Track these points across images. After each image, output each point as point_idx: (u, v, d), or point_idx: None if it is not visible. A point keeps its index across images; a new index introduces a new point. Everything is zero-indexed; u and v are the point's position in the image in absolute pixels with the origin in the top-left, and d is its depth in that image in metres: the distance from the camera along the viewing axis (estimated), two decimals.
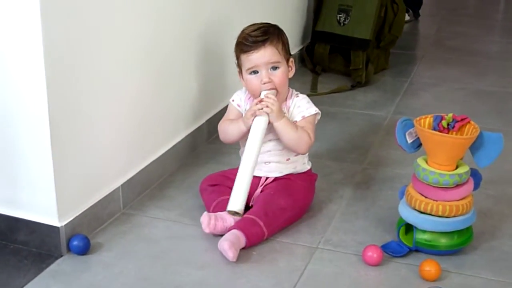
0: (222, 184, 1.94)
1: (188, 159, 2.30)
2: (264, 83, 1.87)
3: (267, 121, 1.85)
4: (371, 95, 2.98)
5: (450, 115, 1.73)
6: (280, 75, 1.89)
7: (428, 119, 1.76)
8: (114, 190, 1.93)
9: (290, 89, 1.97)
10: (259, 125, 1.84)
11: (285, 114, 1.90)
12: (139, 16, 1.95)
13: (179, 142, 2.25)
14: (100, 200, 1.87)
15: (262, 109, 1.83)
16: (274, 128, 1.87)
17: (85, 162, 1.80)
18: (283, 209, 1.84)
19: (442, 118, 1.74)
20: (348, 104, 2.86)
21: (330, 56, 3.19)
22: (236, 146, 2.08)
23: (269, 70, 1.88)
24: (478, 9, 4.82)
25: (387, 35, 3.16)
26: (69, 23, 1.66)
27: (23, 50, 1.61)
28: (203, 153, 2.36)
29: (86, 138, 1.79)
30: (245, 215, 1.82)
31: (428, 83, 3.15)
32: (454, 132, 1.73)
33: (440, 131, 1.72)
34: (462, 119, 1.72)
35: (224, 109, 2.50)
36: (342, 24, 3.13)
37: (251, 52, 1.88)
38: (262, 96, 1.87)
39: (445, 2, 4.97)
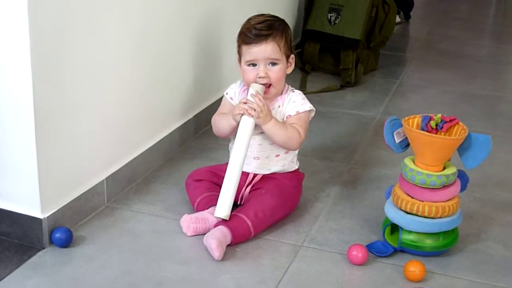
0: (208, 180, 1.93)
1: (175, 154, 2.29)
2: (260, 77, 1.87)
3: (254, 122, 1.84)
4: (360, 95, 2.98)
5: (439, 115, 1.73)
6: (277, 72, 1.88)
7: (417, 119, 1.75)
8: (98, 183, 1.91)
9: (286, 85, 1.95)
10: (246, 126, 1.83)
11: (278, 109, 1.89)
12: (129, 9, 1.93)
13: (166, 137, 2.24)
14: (84, 192, 1.85)
15: (247, 110, 1.82)
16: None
17: (69, 154, 1.78)
18: (273, 210, 1.83)
19: (430, 118, 1.73)
20: (337, 103, 2.85)
21: (320, 55, 3.18)
22: (223, 142, 2.07)
23: (268, 65, 1.87)
24: (469, 13, 4.84)
25: (378, 36, 3.15)
26: (56, 15, 1.64)
27: (8, 41, 1.58)
28: (190, 148, 2.34)
29: (71, 129, 1.77)
30: (234, 213, 1.81)
31: (417, 85, 3.15)
32: (442, 133, 1.72)
33: (428, 132, 1.71)
34: (450, 120, 1.72)
35: (212, 104, 2.51)
36: (332, 23, 3.12)
37: (253, 45, 1.86)
38: (250, 90, 1.85)
39: (436, 5, 4.98)
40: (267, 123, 1.84)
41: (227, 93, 2.00)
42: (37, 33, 1.58)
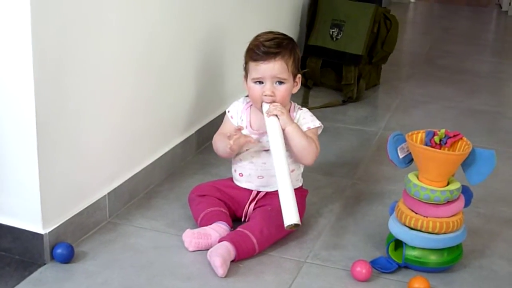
0: (211, 195, 1.91)
1: (177, 169, 2.28)
2: (266, 95, 1.85)
3: (279, 122, 1.81)
4: (362, 110, 2.97)
5: (443, 130, 1.72)
6: (283, 91, 1.85)
7: (420, 135, 1.74)
8: (100, 199, 1.90)
9: (292, 103, 1.94)
10: (274, 125, 1.80)
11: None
12: (133, 24, 1.93)
13: (167, 152, 2.23)
14: (86, 208, 1.84)
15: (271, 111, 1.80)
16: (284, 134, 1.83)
17: (71, 169, 1.77)
18: (279, 227, 1.80)
19: (434, 133, 1.73)
20: (339, 119, 2.85)
21: (322, 71, 3.18)
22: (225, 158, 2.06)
23: (274, 84, 1.85)
24: (469, 29, 4.85)
25: (380, 51, 3.15)
26: (60, 28, 1.63)
27: (11, 54, 1.58)
28: (191, 164, 2.33)
29: (73, 144, 1.76)
30: (238, 228, 1.79)
31: (419, 100, 3.14)
32: (446, 148, 1.71)
33: (432, 147, 1.71)
34: (454, 135, 1.71)
35: (215, 120, 2.50)
36: (334, 39, 3.13)
37: (260, 62, 1.84)
38: (265, 109, 1.84)
39: (437, 22, 5.00)
40: (291, 124, 1.82)
41: (228, 111, 1.98)
42: (40, 50, 1.57)
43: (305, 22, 3.31)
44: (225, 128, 1.97)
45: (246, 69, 1.91)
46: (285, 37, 1.90)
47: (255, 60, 1.85)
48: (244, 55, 1.91)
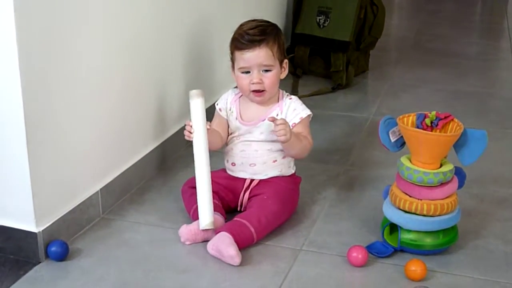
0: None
1: (169, 163, 2.27)
2: (253, 83, 1.85)
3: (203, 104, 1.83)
4: (352, 97, 2.97)
5: (434, 113, 1.72)
6: (271, 78, 1.86)
7: (411, 118, 1.74)
8: (93, 195, 1.89)
9: (281, 91, 1.94)
10: (197, 112, 1.83)
11: (277, 117, 1.87)
12: (120, 17, 1.91)
13: (159, 146, 2.22)
14: (79, 205, 1.83)
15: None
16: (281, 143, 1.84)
17: (62, 166, 1.76)
18: (276, 215, 1.81)
19: (425, 116, 1.73)
20: (329, 106, 2.84)
21: (310, 59, 3.17)
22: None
23: (261, 72, 1.85)
24: (455, 12, 4.85)
25: (367, 37, 3.15)
26: (47, 22, 1.62)
27: None
28: (183, 157, 2.32)
29: (63, 141, 1.75)
30: (236, 218, 1.79)
31: (408, 84, 3.14)
32: (438, 130, 1.71)
33: (423, 129, 1.70)
34: (445, 117, 1.71)
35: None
36: (321, 26, 3.12)
37: (246, 50, 1.84)
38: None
39: (423, 6, 5.00)
40: (291, 138, 1.81)
41: (217, 104, 1.98)
42: (26, 48, 1.56)
43: (291, 10, 3.30)
44: (215, 122, 1.97)
45: (232, 59, 1.91)
46: (268, 24, 1.90)
47: (240, 49, 1.85)
48: (230, 45, 1.90)
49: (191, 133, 1.83)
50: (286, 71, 1.92)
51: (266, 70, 1.85)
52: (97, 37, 1.83)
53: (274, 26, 1.91)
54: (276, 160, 1.91)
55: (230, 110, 1.95)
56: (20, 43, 1.54)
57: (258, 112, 1.91)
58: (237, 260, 1.68)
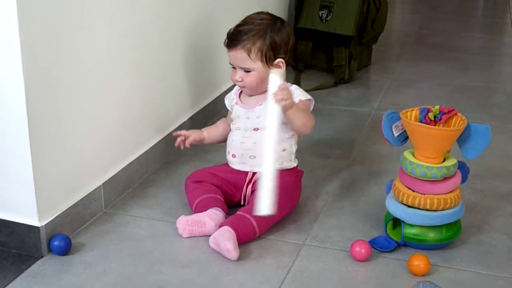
0: (207, 181, 1.90)
1: (171, 157, 2.26)
2: (234, 80, 1.89)
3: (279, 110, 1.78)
4: (354, 91, 2.97)
5: (437, 107, 1.71)
6: (250, 77, 1.87)
7: (415, 112, 1.73)
8: (95, 189, 1.88)
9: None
10: (274, 113, 1.77)
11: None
12: (121, 11, 1.91)
13: (161, 140, 2.21)
14: (81, 199, 1.83)
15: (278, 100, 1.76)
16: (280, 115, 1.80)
17: (65, 161, 1.76)
18: (280, 209, 1.79)
19: (428, 110, 1.72)
20: (332, 100, 2.84)
21: (312, 53, 3.16)
22: (219, 144, 2.05)
23: (243, 70, 1.87)
24: (458, 7, 4.84)
25: (370, 31, 3.14)
26: (48, 23, 1.61)
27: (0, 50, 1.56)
28: (185, 151, 2.30)
29: (65, 135, 1.75)
30: (238, 212, 1.79)
31: (411, 79, 3.14)
32: (441, 124, 1.71)
33: (427, 124, 1.70)
34: (449, 111, 1.70)
35: (207, 107, 2.49)
36: (324, 20, 3.11)
37: (228, 49, 1.89)
38: (271, 80, 1.80)
39: (426, 0, 4.98)
40: (292, 107, 1.80)
41: (226, 98, 2.03)
42: (29, 43, 1.55)
43: (294, 5, 3.29)
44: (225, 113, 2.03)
45: None
46: (258, 23, 1.87)
47: (226, 46, 1.90)
48: None
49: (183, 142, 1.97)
50: (283, 69, 1.86)
51: (246, 71, 1.87)
52: (100, 33, 1.83)
53: (265, 25, 1.86)
54: (285, 150, 1.90)
55: (232, 99, 1.98)
56: (23, 39, 1.54)
57: (256, 99, 1.92)
58: (234, 254, 1.67)
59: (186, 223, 1.78)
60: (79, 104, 1.78)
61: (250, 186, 1.89)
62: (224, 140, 1.99)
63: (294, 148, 1.94)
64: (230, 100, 1.99)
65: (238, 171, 1.92)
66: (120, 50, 1.94)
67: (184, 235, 1.78)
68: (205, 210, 1.81)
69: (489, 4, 5.06)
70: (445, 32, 4.01)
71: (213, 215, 1.79)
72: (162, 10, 2.14)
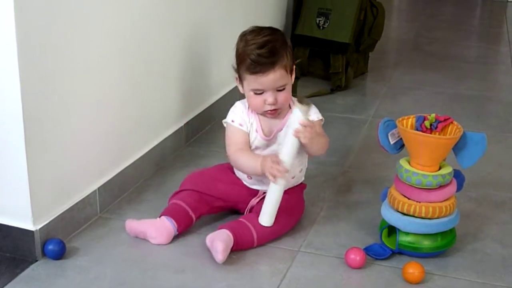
0: (203, 192, 1.85)
1: (167, 163, 2.26)
2: (268, 104, 1.75)
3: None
4: (351, 98, 2.97)
5: (433, 115, 1.72)
6: (285, 95, 1.77)
7: (411, 120, 1.74)
8: (90, 193, 1.88)
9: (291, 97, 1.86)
10: (293, 145, 1.72)
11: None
12: (119, 16, 1.91)
13: (157, 145, 2.21)
14: (76, 203, 1.82)
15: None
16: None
17: (60, 165, 1.75)
18: (284, 226, 1.80)
19: (424, 118, 1.72)
20: (328, 107, 2.84)
21: (309, 60, 3.17)
22: (215, 149, 2.05)
23: (275, 91, 1.75)
24: (455, 15, 4.85)
25: (367, 39, 3.15)
26: (45, 24, 1.61)
27: None
28: (181, 156, 2.32)
29: (61, 140, 1.74)
30: (241, 219, 1.78)
31: (407, 87, 3.14)
32: (437, 133, 1.71)
33: (423, 132, 1.70)
34: (445, 119, 1.71)
35: (203, 112, 2.49)
36: (321, 27, 3.11)
37: (260, 74, 1.72)
38: (293, 117, 1.71)
39: (422, 8, 5.00)
40: (316, 138, 1.74)
41: (233, 121, 1.82)
42: (25, 44, 1.55)
43: (291, 11, 3.30)
44: (237, 139, 1.82)
45: (239, 75, 1.79)
46: (275, 38, 1.75)
47: (253, 73, 1.73)
48: (236, 62, 1.79)
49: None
50: (294, 75, 1.82)
51: (279, 89, 1.76)
52: (97, 36, 1.82)
53: (280, 38, 1.76)
54: (294, 177, 1.87)
55: (250, 123, 1.83)
56: (20, 41, 1.54)
57: (274, 123, 1.83)
58: (220, 257, 1.65)
59: (130, 230, 1.80)
60: (75, 109, 1.78)
61: (258, 199, 1.87)
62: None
63: (306, 164, 1.93)
64: (247, 124, 1.82)
65: (249, 188, 1.88)
66: (116, 55, 1.94)
67: (131, 235, 1.81)
68: (164, 215, 1.80)
69: (486, 13, 5.08)
70: (442, 41, 4.02)
71: (161, 225, 1.78)
72: (159, 16, 2.14)
